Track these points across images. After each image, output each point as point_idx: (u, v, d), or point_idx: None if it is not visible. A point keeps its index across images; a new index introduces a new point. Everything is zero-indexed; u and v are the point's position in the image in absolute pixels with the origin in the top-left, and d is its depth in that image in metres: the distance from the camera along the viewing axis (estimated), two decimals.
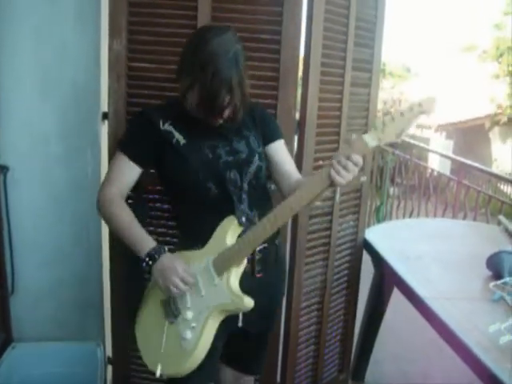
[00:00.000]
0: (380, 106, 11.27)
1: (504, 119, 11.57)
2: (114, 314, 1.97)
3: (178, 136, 1.39)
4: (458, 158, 4.93)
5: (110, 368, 2.11)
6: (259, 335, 1.58)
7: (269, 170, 1.52)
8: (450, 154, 5.96)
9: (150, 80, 1.76)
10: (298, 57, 1.79)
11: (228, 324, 1.38)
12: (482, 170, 4.73)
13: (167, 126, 1.40)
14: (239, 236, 1.36)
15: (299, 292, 2.02)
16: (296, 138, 1.88)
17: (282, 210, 1.28)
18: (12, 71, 1.85)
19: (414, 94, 12.73)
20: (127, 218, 1.38)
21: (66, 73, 1.87)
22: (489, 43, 12.01)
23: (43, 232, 1.98)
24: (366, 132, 2.06)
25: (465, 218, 4.25)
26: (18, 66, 1.85)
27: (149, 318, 1.46)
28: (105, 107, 1.84)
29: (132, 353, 1.95)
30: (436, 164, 6.55)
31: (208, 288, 1.34)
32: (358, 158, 1.20)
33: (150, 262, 1.34)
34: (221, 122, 1.39)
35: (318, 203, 1.96)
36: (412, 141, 5.58)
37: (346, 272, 2.22)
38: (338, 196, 2.00)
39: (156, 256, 1.34)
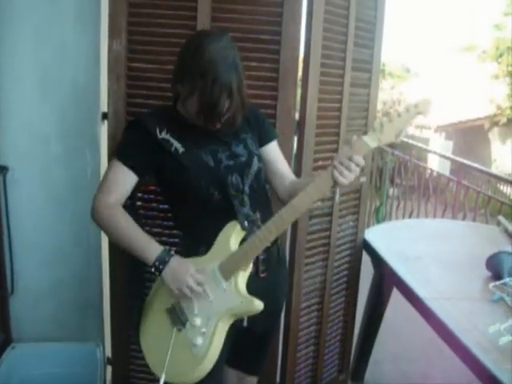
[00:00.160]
0: (380, 106, 11.26)
1: (503, 120, 11.59)
2: (113, 314, 1.97)
3: (176, 144, 1.38)
4: (458, 158, 4.93)
5: (109, 368, 2.11)
6: (262, 335, 1.58)
7: (263, 170, 1.52)
8: (450, 155, 5.96)
9: (149, 80, 1.76)
10: (297, 57, 1.79)
11: (233, 325, 1.38)
12: (481, 171, 4.73)
13: (164, 135, 1.38)
14: (243, 240, 1.36)
15: (299, 292, 2.02)
16: (295, 138, 1.89)
17: (287, 213, 1.29)
18: (12, 71, 1.85)
19: (414, 95, 12.74)
20: (130, 225, 1.37)
21: (66, 73, 1.87)
22: (488, 43, 12.01)
23: (43, 232, 1.98)
24: (365, 133, 2.06)
25: (464, 218, 4.25)
26: (18, 66, 1.85)
27: (154, 327, 1.45)
28: (104, 107, 1.84)
29: (131, 353, 1.95)
30: (435, 164, 6.55)
31: (216, 293, 1.34)
32: (360, 159, 1.23)
33: (161, 267, 1.33)
34: (218, 126, 1.38)
35: (318, 203, 1.96)
36: (411, 141, 5.59)
37: (345, 272, 2.22)
38: (337, 196, 2.00)
39: (166, 259, 1.33)
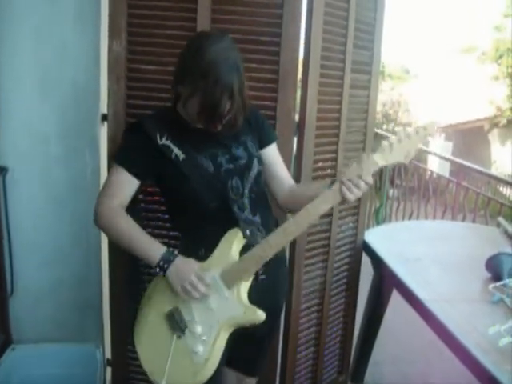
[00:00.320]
0: (379, 107, 11.28)
1: (503, 121, 11.59)
2: (113, 315, 1.97)
3: (176, 151, 1.37)
4: (458, 159, 4.94)
5: (109, 370, 2.11)
6: (262, 336, 1.58)
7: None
8: (449, 156, 5.96)
9: (149, 82, 1.76)
10: (297, 59, 1.79)
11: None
12: (481, 172, 4.73)
13: (165, 141, 1.38)
14: (246, 248, 1.36)
15: (299, 293, 2.02)
16: (295, 139, 1.89)
17: (292, 226, 1.30)
18: (12, 71, 1.85)
19: (414, 96, 12.75)
20: (132, 226, 1.37)
21: (66, 73, 1.87)
22: (488, 45, 12.02)
23: (42, 232, 1.98)
24: (365, 137, 2.05)
25: (464, 219, 4.25)
26: (18, 66, 1.85)
27: (151, 332, 1.44)
28: (104, 109, 1.84)
29: (131, 355, 1.95)
30: (435, 166, 6.55)
31: (218, 301, 1.34)
32: (369, 178, 1.27)
33: (166, 266, 1.33)
34: (219, 128, 1.37)
35: None
36: None
37: (345, 274, 2.22)
38: None
39: (171, 258, 1.34)
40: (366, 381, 2.52)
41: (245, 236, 1.36)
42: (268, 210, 1.52)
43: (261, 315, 1.32)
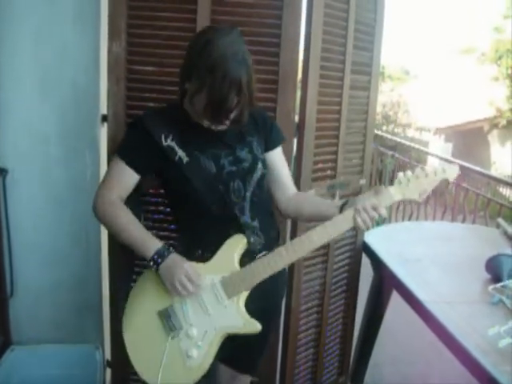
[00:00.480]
0: (379, 108, 11.29)
1: (503, 122, 11.60)
2: (112, 316, 1.96)
3: (180, 153, 1.37)
4: (457, 160, 4.93)
5: (108, 371, 2.10)
6: (258, 337, 1.57)
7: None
8: (449, 157, 5.97)
9: (149, 83, 1.76)
10: (297, 60, 1.79)
11: None
12: (480, 173, 4.73)
13: (170, 142, 1.37)
14: (248, 255, 1.36)
15: (298, 295, 2.02)
16: (295, 141, 1.89)
17: (302, 244, 1.33)
18: (12, 71, 1.85)
19: (413, 97, 12.76)
20: (131, 219, 1.37)
21: (66, 74, 1.87)
22: (488, 46, 12.03)
23: (42, 233, 1.98)
24: (365, 138, 2.05)
25: (464, 220, 4.25)
26: (18, 66, 1.85)
27: (142, 330, 1.41)
28: (104, 110, 1.84)
29: None
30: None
31: (216, 308, 1.34)
32: (384, 210, 1.32)
33: (159, 260, 1.33)
34: (227, 124, 1.35)
35: None
36: (411, 144, 5.59)
37: (345, 275, 2.22)
38: (337, 198, 2.00)
39: (165, 253, 1.33)
40: (365, 382, 2.51)
41: (249, 243, 1.36)
42: (269, 215, 1.52)
43: (258, 327, 1.33)
